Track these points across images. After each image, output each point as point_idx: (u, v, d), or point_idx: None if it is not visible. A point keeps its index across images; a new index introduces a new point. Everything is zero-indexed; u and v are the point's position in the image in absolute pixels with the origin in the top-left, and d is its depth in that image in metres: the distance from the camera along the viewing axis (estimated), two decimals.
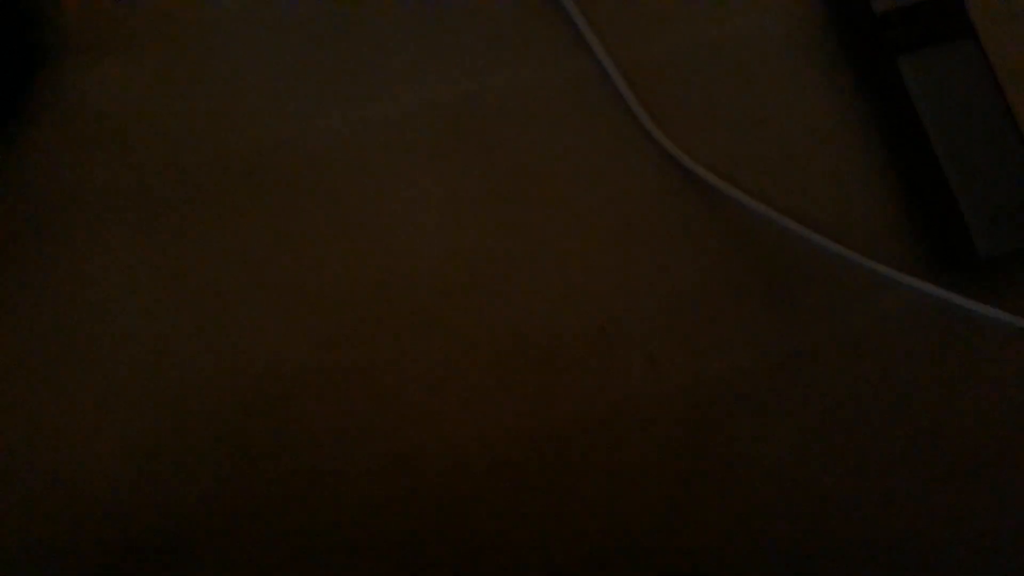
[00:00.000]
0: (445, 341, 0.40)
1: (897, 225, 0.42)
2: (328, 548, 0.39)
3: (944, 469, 0.40)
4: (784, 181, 0.42)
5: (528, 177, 0.42)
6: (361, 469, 0.39)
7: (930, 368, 0.41)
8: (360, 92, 0.43)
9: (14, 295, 0.41)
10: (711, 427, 0.40)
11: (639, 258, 0.41)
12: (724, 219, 0.42)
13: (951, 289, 0.41)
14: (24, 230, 0.42)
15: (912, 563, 0.39)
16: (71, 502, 0.40)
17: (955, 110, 0.40)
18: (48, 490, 0.39)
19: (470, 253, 0.41)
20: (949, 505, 0.40)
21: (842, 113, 0.43)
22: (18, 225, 0.42)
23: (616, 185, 0.42)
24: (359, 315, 0.40)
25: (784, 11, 0.44)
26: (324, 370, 0.40)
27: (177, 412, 0.40)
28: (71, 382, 0.40)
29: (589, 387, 0.40)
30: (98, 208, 0.42)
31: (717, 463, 0.40)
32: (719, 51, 0.44)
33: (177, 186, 0.42)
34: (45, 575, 0.40)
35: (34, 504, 0.40)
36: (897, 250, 0.42)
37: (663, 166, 0.42)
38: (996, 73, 0.43)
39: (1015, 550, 0.39)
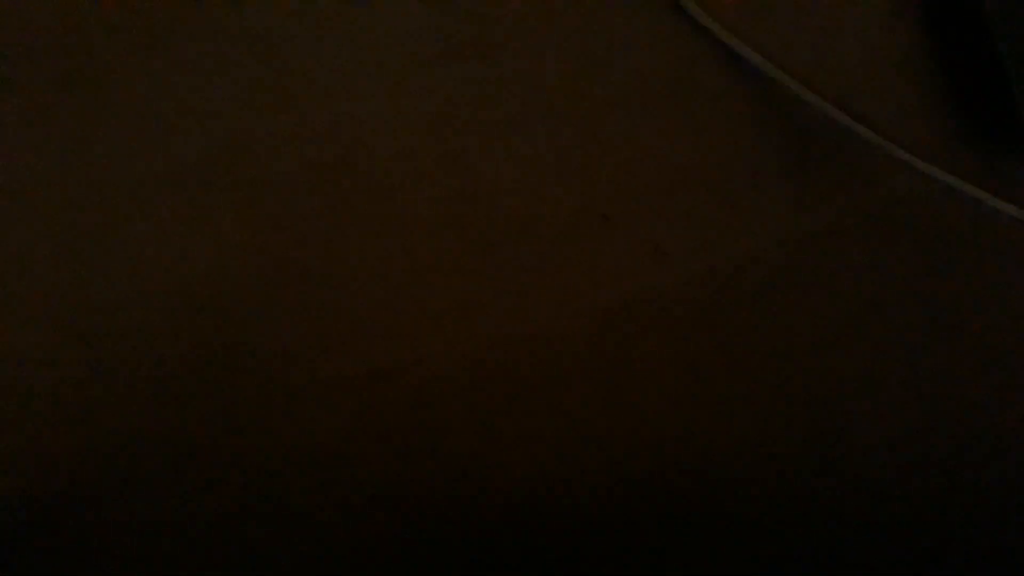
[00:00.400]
0: (416, 234, 0.33)
1: (923, 106, 0.37)
2: (299, 472, 0.33)
3: (967, 358, 0.37)
4: (806, 48, 0.36)
5: (506, 25, 0.34)
6: (331, 386, 0.33)
7: (946, 255, 0.37)
8: None
9: None
10: (724, 322, 0.35)
11: (643, 130, 0.35)
12: (737, 86, 0.35)
13: (969, 179, 0.36)
14: None
15: (932, 455, 0.36)
16: None
17: None
18: None
19: (437, 119, 0.33)
20: (970, 396, 0.37)
21: None
22: None
23: (614, 40, 0.34)
24: (312, 203, 0.33)
25: None
26: (276, 273, 0.33)
27: (97, 335, 0.32)
28: None
29: (587, 282, 0.34)
30: None
31: (731, 361, 0.35)
32: None
33: (86, 41, 0.33)
34: None
35: None
36: (920, 132, 0.37)
37: (672, 20, 0.35)
38: None
39: None
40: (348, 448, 0.34)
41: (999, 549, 0.37)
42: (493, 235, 0.34)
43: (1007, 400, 0.37)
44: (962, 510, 0.37)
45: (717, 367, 0.36)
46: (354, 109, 0.33)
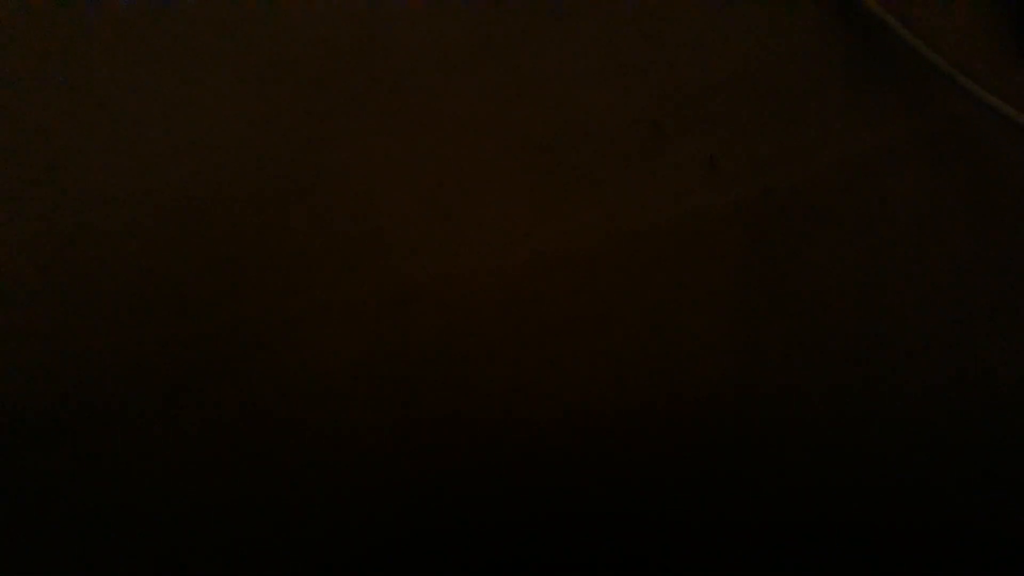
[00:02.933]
0: (447, 135, 0.30)
1: (988, 36, 0.34)
2: (309, 402, 0.30)
3: (1019, 286, 0.34)
4: None
5: None
6: (348, 307, 0.29)
7: (1001, 184, 0.34)
8: None
9: None
10: (777, 245, 0.32)
11: (701, 31, 0.31)
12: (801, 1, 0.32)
13: None
14: None
15: (986, 400, 0.34)
16: None
17: None
18: None
19: (473, 10, 0.29)
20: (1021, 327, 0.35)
21: None
22: None
23: None
24: (332, 93, 0.29)
25: None
26: (291, 176, 0.29)
27: (86, 234, 0.28)
28: None
29: (633, 198, 0.31)
30: None
31: (780, 288, 0.32)
32: None
33: None
34: None
35: None
36: (984, 61, 0.34)
37: None
38: None
39: None
40: (366, 374, 0.30)
41: None
42: (533, 140, 0.30)
43: None
44: (1011, 438, 0.35)
45: (764, 294, 0.33)
46: (401, 8, 0.29)
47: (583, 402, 0.32)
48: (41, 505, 0.29)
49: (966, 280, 0.34)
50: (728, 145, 0.31)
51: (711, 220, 0.31)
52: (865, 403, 0.34)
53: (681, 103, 0.31)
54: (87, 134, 0.28)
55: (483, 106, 0.30)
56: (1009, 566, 0.35)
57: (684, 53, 0.31)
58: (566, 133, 0.30)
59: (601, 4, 0.30)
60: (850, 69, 0.32)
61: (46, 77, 0.28)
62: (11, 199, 0.28)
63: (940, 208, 0.33)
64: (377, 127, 0.29)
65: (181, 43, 0.28)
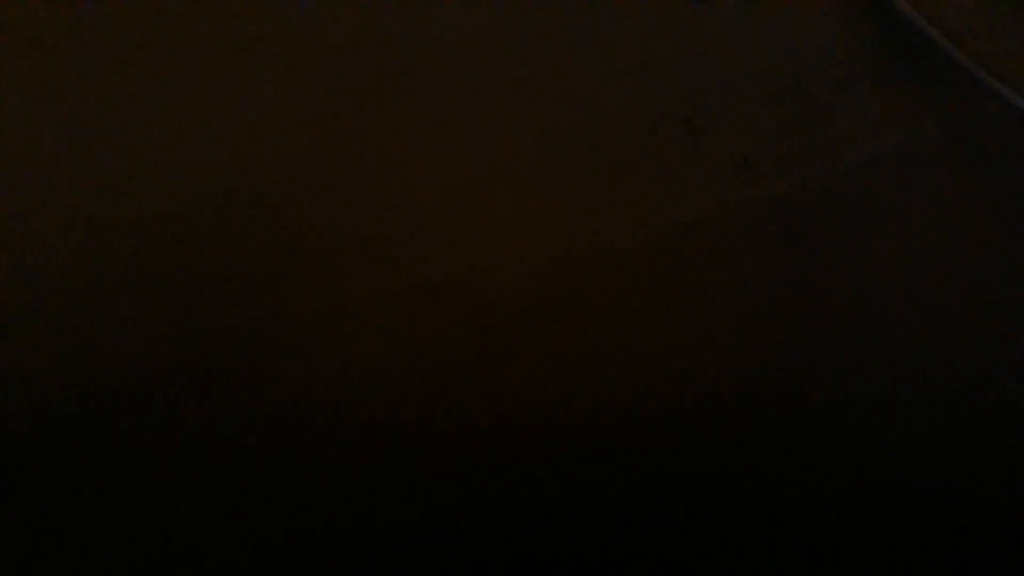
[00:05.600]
0: (480, 133, 0.29)
1: (1017, 35, 0.34)
2: (337, 395, 0.29)
3: None
4: None
5: None
6: (377, 300, 0.29)
7: None
8: None
9: None
10: (807, 242, 0.32)
11: (733, 31, 0.31)
12: None
13: None
14: None
15: (1019, 405, 0.34)
16: None
17: None
18: None
19: (506, 6, 0.29)
20: None
21: None
22: None
23: None
24: (367, 88, 0.29)
25: None
26: (323, 168, 0.29)
27: (114, 224, 0.27)
28: None
29: (666, 195, 0.31)
30: None
31: (812, 284, 0.32)
32: None
33: None
34: None
35: None
36: (1011, 61, 0.34)
37: None
38: None
39: None
40: (393, 368, 0.30)
41: None
42: (564, 137, 0.30)
43: None
44: None
45: (794, 291, 0.33)
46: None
47: (612, 399, 0.31)
48: (71, 494, 0.29)
49: (995, 280, 0.34)
50: (759, 142, 0.31)
51: (742, 217, 0.31)
52: (895, 403, 0.33)
53: (713, 100, 0.31)
54: (117, 125, 0.28)
55: (515, 102, 0.30)
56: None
57: (716, 50, 0.31)
58: (598, 130, 0.30)
59: (638, 6, 0.30)
60: (880, 68, 0.32)
61: (75, 69, 0.28)
62: (43, 189, 0.27)
63: (968, 207, 0.33)
64: (408, 122, 0.29)
65: (213, 38, 0.28)
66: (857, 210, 0.33)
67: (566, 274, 0.30)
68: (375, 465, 0.30)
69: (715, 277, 0.31)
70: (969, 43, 0.33)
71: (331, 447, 0.30)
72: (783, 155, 0.32)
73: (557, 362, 0.31)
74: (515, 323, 0.31)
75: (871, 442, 0.33)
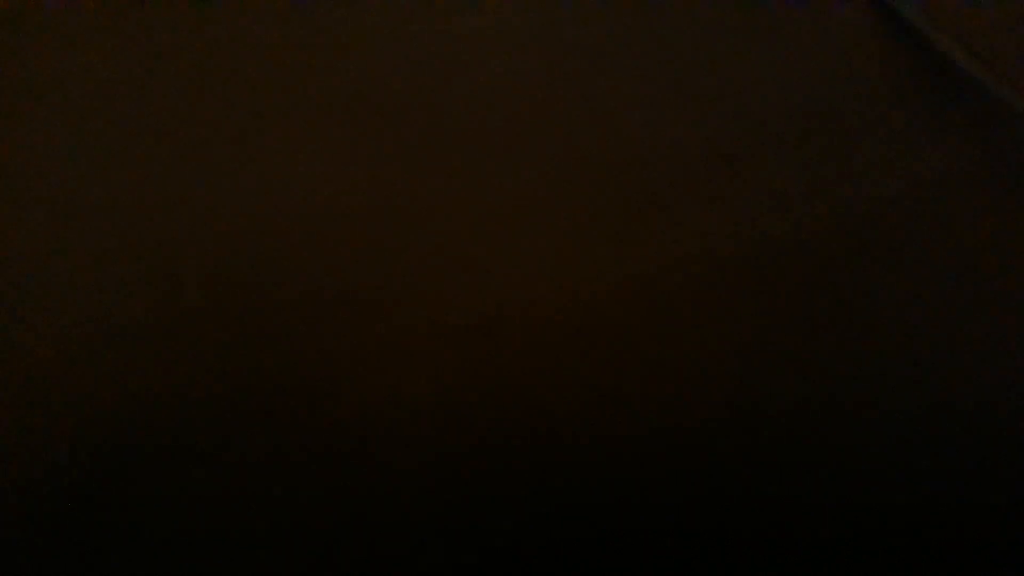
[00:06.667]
0: (523, 165, 0.31)
1: None
2: (392, 427, 0.31)
3: None
4: None
5: None
6: (438, 333, 0.31)
7: None
8: None
9: None
10: (844, 269, 0.33)
11: (771, 63, 0.32)
12: (865, 26, 0.33)
13: None
14: None
15: None
16: (27, 395, 0.29)
17: None
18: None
19: (558, 45, 0.31)
20: None
21: None
22: None
23: None
24: (422, 131, 0.30)
25: None
26: (371, 210, 0.30)
27: (183, 271, 0.29)
28: (21, 244, 0.29)
29: (706, 227, 0.32)
30: None
31: (848, 312, 0.33)
32: None
33: None
34: None
35: None
36: None
37: None
38: None
39: None
40: (447, 401, 0.31)
41: None
42: (610, 174, 0.31)
43: None
44: None
45: (830, 318, 0.33)
46: (466, 32, 0.30)
47: (655, 428, 0.33)
48: (136, 534, 0.31)
49: None
50: (794, 172, 0.32)
51: (778, 247, 0.32)
52: (930, 425, 0.34)
53: (748, 133, 0.32)
54: (188, 179, 0.30)
55: (557, 135, 0.31)
56: None
57: (753, 84, 0.32)
58: (636, 162, 0.32)
59: (673, 37, 0.32)
60: (913, 96, 0.33)
61: (150, 128, 0.30)
62: (120, 241, 0.29)
63: (1005, 230, 0.34)
64: (453, 156, 0.31)
65: (280, 97, 0.30)
66: (894, 236, 0.33)
67: (607, 307, 0.32)
68: (431, 499, 0.32)
69: (752, 303, 0.32)
70: (1001, 67, 0.34)
71: (386, 481, 0.31)
72: (818, 184, 0.32)
73: (599, 392, 0.32)
74: (557, 356, 0.32)
75: (915, 466, 0.34)
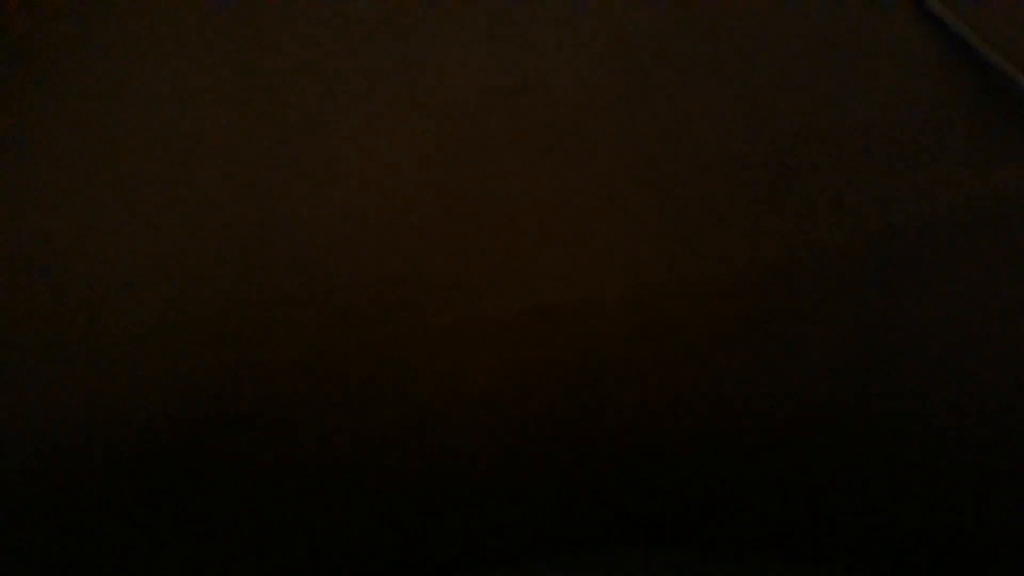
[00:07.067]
0: (590, 171, 0.32)
1: None
2: (458, 409, 0.32)
3: None
4: (998, 11, 0.34)
5: None
6: (488, 323, 0.32)
7: None
8: None
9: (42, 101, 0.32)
10: (900, 283, 0.33)
11: (827, 79, 0.33)
12: (923, 40, 0.34)
13: None
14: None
15: None
16: (106, 370, 0.32)
17: None
18: (74, 358, 0.31)
19: (621, 52, 0.32)
20: None
21: None
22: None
23: None
24: (485, 130, 0.32)
25: None
26: (438, 203, 0.32)
27: (258, 253, 0.32)
28: (110, 216, 0.32)
29: (760, 232, 0.33)
30: None
31: (903, 325, 0.34)
32: None
33: None
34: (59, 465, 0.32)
35: (58, 367, 0.32)
36: None
37: None
38: None
39: None
40: (504, 392, 0.33)
41: None
42: (669, 176, 0.32)
43: None
44: None
45: (885, 332, 0.34)
46: (536, 36, 0.32)
47: (711, 423, 0.33)
48: (211, 490, 0.33)
49: None
50: (854, 184, 0.33)
51: (836, 254, 0.33)
52: (986, 437, 0.34)
53: (808, 144, 0.33)
54: (269, 169, 0.32)
55: (624, 143, 0.32)
56: None
57: (813, 102, 0.33)
58: (697, 171, 0.33)
59: (740, 57, 0.33)
60: (975, 112, 0.33)
61: (230, 121, 0.32)
62: (200, 227, 0.32)
63: None
64: (527, 162, 0.32)
65: (358, 95, 0.32)
66: (951, 251, 0.34)
67: (667, 303, 0.33)
68: (487, 484, 0.33)
69: (805, 312, 0.33)
70: None
71: (440, 466, 0.33)
72: (877, 197, 0.33)
73: (658, 385, 0.33)
74: (618, 347, 0.33)
75: (966, 474, 0.34)
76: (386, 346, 0.33)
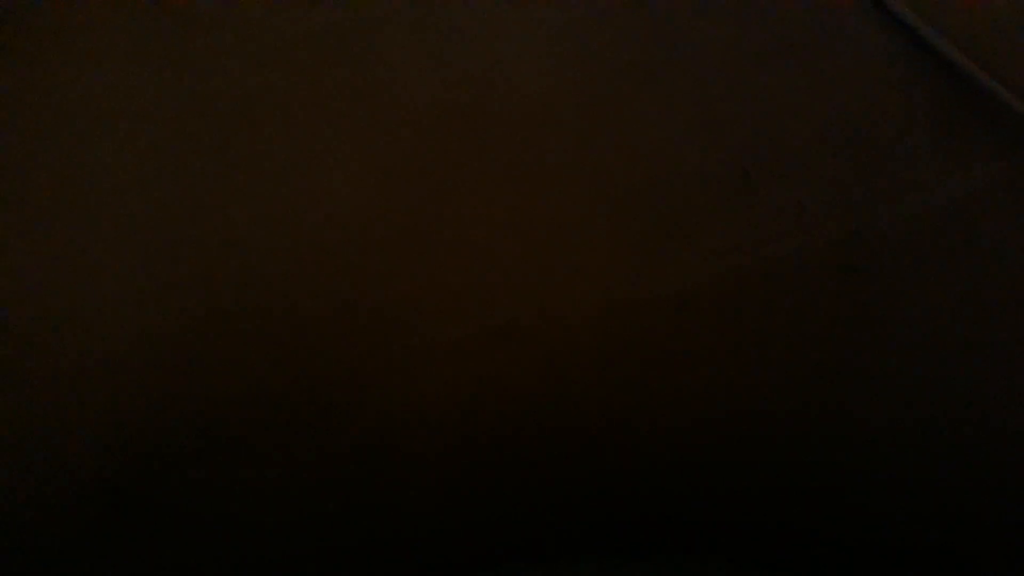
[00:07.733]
0: (550, 185, 0.32)
1: None
2: (416, 437, 0.32)
3: None
4: (957, 10, 0.34)
5: None
6: (449, 344, 0.32)
7: None
8: None
9: None
10: (866, 289, 0.33)
11: (787, 85, 0.33)
12: (884, 43, 0.33)
13: None
14: None
15: None
16: (71, 392, 0.31)
17: None
18: (46, 380, 0.31)
19: (577, 64, 0.32)
20: None
21: None
22: None
23: None
24: (438, 147, 0.31)
25: None
26: (396, 222, 0.31)
27: (207, 283, 0.31)
28: (59, 238, 0.31)
29: (724, 243, 0.32)
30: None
31: (871, 330, 0.33)
32: None
33: None
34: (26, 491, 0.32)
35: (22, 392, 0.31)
36: None
37: None
38: None
39: None
40: (470, 409, 0.32)
41: None
42: (629, 190, 0.32)
43: None
44: None
45: (853, 337, 0.34)
46: (490, 52, 0.31)
47: (672, 438, 0.33)
48: (191, 517, 0.32)
49: None
50: (816, 191, 0.33)
51: (799, 260, 0.33)
52: (953, 443, 0.34)
53: (770, 152, 0.32)
54: (235, 190, 0.31)
55: (582, 156, 0.32)
56: None
57: (772, 109, 0.32)
58: (657, 182, 0.32)
59: (695, 63, 0.32)
60: (938, 117, 0.33)
61: (193, 145, 0.31)
62: (166, 250, 0.31)
63: None
64: (484, 179, 0.32)
65: (315, 113, 0.32)
66: (917, 255, 0.33)
67: (628, 318, 0.32)
68: (453, 503, 0.33)
69: (772, 320, 0.33)
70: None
71: (411, 486, 0.32)
72: (840, 202, 0.33)
73: (624, 401, 0.33)
74: (582, 364, 0.33)
75: (933, 478, 0.34)
76: (348, 369, 0.32)
